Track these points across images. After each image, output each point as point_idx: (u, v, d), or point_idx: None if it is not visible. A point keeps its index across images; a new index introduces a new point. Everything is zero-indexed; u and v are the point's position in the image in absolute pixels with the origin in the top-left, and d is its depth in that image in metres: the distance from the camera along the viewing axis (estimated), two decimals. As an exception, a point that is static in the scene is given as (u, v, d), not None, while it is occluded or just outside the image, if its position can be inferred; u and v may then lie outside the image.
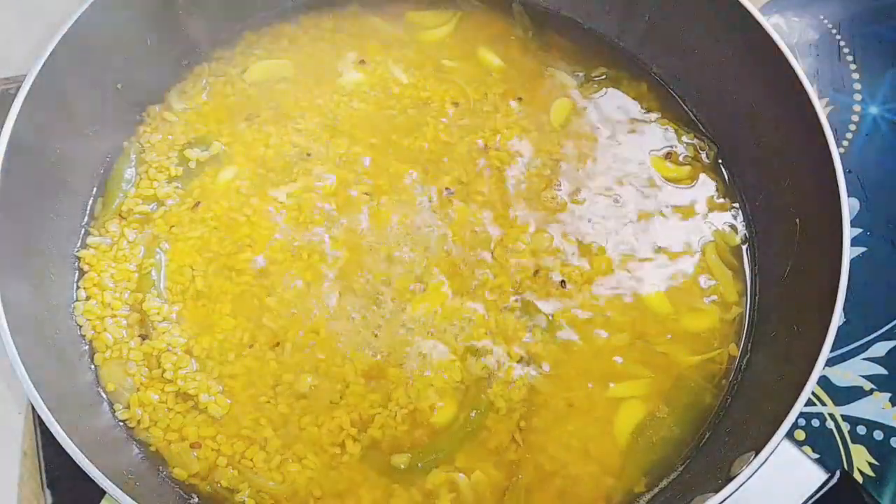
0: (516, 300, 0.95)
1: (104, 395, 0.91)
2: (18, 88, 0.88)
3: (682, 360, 0.94)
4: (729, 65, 1.01)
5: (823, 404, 1.04)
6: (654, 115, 1.07)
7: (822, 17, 1.28)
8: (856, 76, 1.23)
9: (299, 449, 0.87)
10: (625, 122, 1.07)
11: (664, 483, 0.88)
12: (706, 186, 1.03)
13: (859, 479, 0.99)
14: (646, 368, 0.93)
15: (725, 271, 0.98)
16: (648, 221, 1.01)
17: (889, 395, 1.04)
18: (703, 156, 1.05)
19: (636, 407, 0.91)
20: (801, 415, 0.96)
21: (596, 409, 0.91)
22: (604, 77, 1.10)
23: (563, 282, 0.96)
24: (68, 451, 0.76)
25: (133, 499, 0.75)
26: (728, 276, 0.98)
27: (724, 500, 0.76)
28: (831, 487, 0.78)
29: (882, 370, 1.05)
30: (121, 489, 0.75)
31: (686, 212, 1.01)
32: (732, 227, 1.01)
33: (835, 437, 1.02)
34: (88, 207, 1.00)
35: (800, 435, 1.02)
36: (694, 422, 0.91)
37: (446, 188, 1.01)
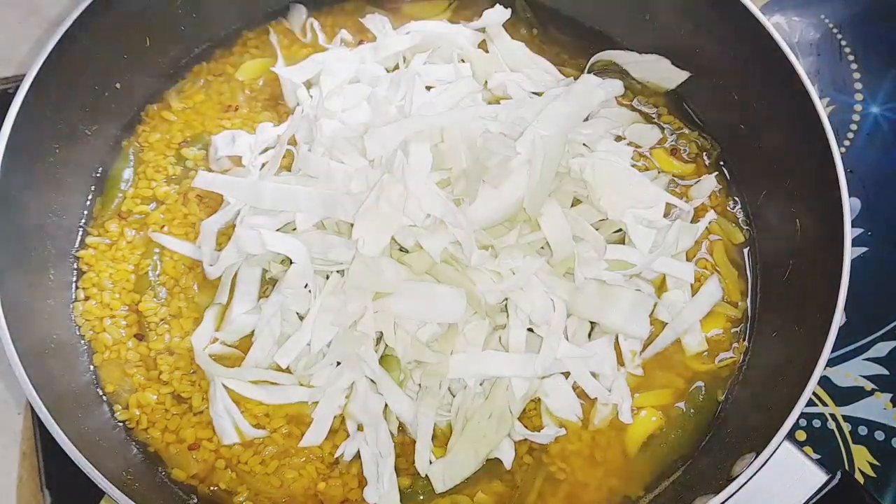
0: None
1: (103, 396, 0.91)
2: (18, 88, 0.88)
3: (697, 363, 0.93)
4: (730, 64, 1.01)
5: (824, 405, 1.03)
6: (656, 113, 1.07)
7: (822, 16, 1.27)
8: (857, 76, 1.23)
9: (296, 460, 0.87)
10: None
11: (665, 484, 0.88)
12: (709, 184, 1.02)
13: (860, 479, 0.99)
14: (665, 375, 0.92)
15: (731, 270, 0.98)
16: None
17: (890, 395, 1.04)
18: (705, 155, 1.04)
19: (653, 414, 0.90)
20: (802, 415, 0.97)
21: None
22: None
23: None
24: (68, 451, 0.76)
25: (132, 499, 0.75)
26: (733, 275, 0.98)
27: (725, 500, 0.76)
28: (832, 488, 0.78)
29: (883, 370, 1.05)
30: (120, 490, 0.75)
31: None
32: (736, 225, 1.01)
33: (836, 438, 1.02)
34: (87, 207, 1.00)
35: (801, 435, 1.02)
36: (698, 423, 0.91)
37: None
